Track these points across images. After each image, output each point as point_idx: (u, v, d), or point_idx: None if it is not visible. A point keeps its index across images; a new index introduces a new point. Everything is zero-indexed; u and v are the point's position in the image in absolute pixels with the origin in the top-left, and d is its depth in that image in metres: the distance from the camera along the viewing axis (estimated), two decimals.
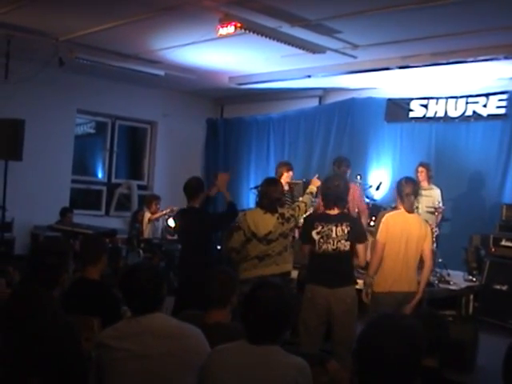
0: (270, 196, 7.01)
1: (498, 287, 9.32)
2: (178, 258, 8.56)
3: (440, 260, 10.02)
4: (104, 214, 14.54)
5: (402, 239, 6.73)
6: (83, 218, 12.47)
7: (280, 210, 7.04)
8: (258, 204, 7.18)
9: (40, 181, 12.65)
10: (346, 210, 7.05)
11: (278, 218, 6.94)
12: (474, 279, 9.82)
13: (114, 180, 14.80)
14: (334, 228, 6.57)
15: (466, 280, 9.87)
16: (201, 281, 4.46)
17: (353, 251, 6.66)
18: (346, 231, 6.56)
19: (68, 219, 12.04)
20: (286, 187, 9.83)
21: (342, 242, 6.55)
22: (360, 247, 6.70)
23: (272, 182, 7.34)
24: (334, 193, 6.71)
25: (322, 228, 6.59)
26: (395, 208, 10.33)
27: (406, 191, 6.86)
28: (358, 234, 6.71)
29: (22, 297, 3.95)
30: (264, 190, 7.14)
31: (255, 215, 7.06)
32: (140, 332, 3.68)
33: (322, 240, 6.58)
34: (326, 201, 6.83)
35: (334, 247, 6.54)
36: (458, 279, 9.80)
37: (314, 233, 6.62)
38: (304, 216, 7.62)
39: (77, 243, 8.54)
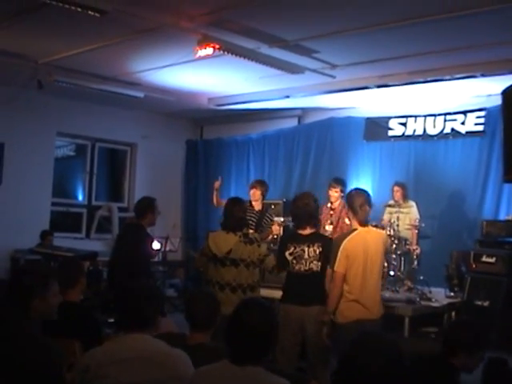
0: (235, 215, 6.99)
1: (479, 303, 9.33)
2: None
3: (421, 277, 10.04)
4: (85, 236, 14.44)
5: (367, 263, 6.41)
6: (64, 241, 12.38)
7: (244, 231, 7.01)
8: (222, 225, 7.12)
9: (20, 204, 12.58)
10: (317, 229, 7.06)
11: (239, 237, 6.85)
12: (456, 296, 9.84)
13: (94, 202, 14.73)
14: (306, 249, 6.59)
15: (447, 297, 9.88)
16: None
17: (325, 272, 6.57)
18: (317, 252, 6.56)
19: (48, 242, 11.96)
20: (259, 207, 9.86)
21: (314, 262, 6.55)
22: (328, 270, 6.54)
23: (237, 202, 7.32)
24: (304, 212, 6.70)
25: (295, 249, 6.61)
26: (376, 226, 10.40)
27: (359, 202, 6.51)
28: (328, 255, 6.57)
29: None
30: (229, 209, 7.10)
31: (217, 236, 7.03)
32: (128, 358, 3.63)
33: (294, 261, 6.60)
34: (296, 220, 6.81)
35: (307, 268, 6.56)
36: (439, 296, 9.81)
37: (286, 254, 6.63)
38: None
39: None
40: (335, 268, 6.37)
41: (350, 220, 6.86)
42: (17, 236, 12.15)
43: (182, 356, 3.74)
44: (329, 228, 8.91)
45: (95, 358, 3.72)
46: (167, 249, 12.99)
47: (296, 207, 6.79)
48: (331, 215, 9.03)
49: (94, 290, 9.28)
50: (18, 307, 4.05)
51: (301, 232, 6.73)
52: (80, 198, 14.75)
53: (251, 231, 8.13)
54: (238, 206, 7.16)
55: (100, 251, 11.67)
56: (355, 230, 6.55)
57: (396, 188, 10.68)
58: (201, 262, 7.09)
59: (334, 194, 9.73)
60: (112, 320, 6.20)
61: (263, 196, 9.83)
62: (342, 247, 6.39)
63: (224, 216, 7.18)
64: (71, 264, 5.57)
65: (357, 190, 6.90)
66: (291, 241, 6.71)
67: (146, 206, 7.63)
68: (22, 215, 12.52)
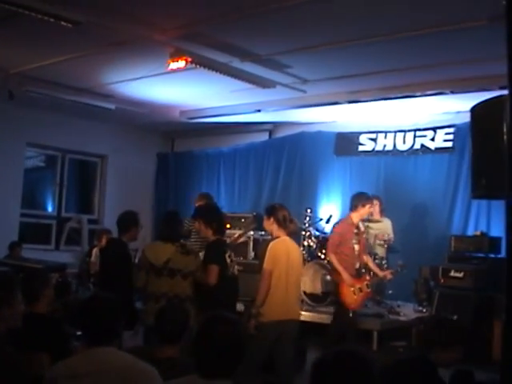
0: (173, 226, 7.13)
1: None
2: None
3: (390, 292, 10.11)
4: (54, 248, 14.34)
5: (288, 266, 6.87)
6: (33, 253, 12.23)
7: (182, 242, 7.15)
8: (159, 236, 7.28)
9: None
10: None
11: (177, 247, 6.92)
12: (424, 310, 9.91)
13: (63, 214, 14.64)
14: None
15: (415, 311, 9.95)
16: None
17: None
18: None
19: (17, 253, 11.84)
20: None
21: None
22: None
23: (175, 214, 7.60)
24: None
25: None
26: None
27: (285, 215, 7.05)
28: None
29: None
30: (168, 220, 7.31)
31: (154, 246, 7.16)
32: (93, 371, 3.59)
33: None
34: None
35: None
36: (408, 310, 9.89)
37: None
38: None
39: None
40: (264, 265, 6.82)
41: (272, 231, 7.13)
42: None
43: (149, 369, 3.70)
44: (357, 247, 8.77)
45: (60, 371, 3.69)
46: (136, 261, 12.94)
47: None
48: (357, 234, 8.87)
49: (62, 302, 9.21)
50: None
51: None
52: (50, 209, 14.67)
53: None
54: (176, 217, 7.37)
55: (69, 263, 11.59)
56: (279, 237, 7.02)
57: (374, 201, 10.72)
58: (142, 280, 6.94)
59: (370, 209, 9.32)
60: (80, 333, 6.16)
61: None
62: (269, 247, 6.94)
63: (162, 226, 7.30)
64: (35, 276, 5.52)
65: (280, 204, 7.36)
66: None
67: (131, 221, 7.57)
68: None
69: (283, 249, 6.91)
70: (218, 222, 7.23)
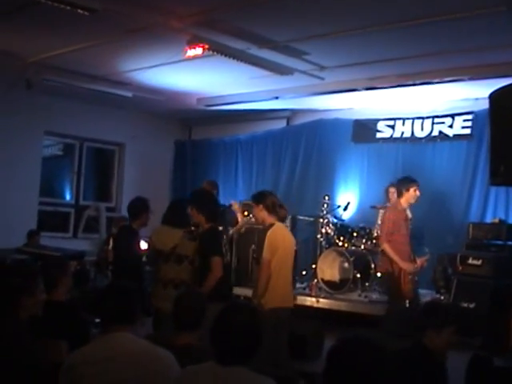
0: (181, 212, 7.17)
1: (465, 305, 9.38)
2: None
3: None
4: (72, 236, 14.40)
5: (286, 253, 6.93)
6: (51, 241, 12.31)
7: (187, 228, 7.14)
8: (166, 221, 7.22)
9: (7, 203, 12.52)
10: None
11: (184, 233, 6.97)
12: (442, 297, 9.88)
13: (81, 202, 14.70)
14: None
15: (433, 298, 9.91)
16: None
17: None
18: None
19: (35, 241, 11.88)
20: None
21: None
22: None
23: (183, 200, 7.73)
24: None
25: None
26: (363, 229, 10.46)
27: (277, 202, 7.05)
28: None
29: None
30: (177, 205, 7.45)
31: (161, 232, 7.15)
32: (110, 357, 3.63)
33: None
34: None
35: None
36: (426, 297, 9.85)
37: None
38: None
39: None
40: (264, 255, 6.76)
41: (264, 218, 7.03)
42: (3, 235, 12.03)
43: (166, 355, 3.74)
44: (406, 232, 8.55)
45: (78, 358, 3.72)
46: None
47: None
48: (405, 220, 8.60)
49: (81, 290, 9.25)
50: (5, 306, 4.05)
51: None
52: (68, 197, 14.72)
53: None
54: (183, 204, 7.38)
55: (87, 251, 11.63)
56: (274, 224, 6.94)
57: (392, 189, 10.62)
58: (151, 257, 7.20)
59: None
60: (99, 320, 6.18)
61: None
62: (268, 236, 6.85)
63: (169, 212, 7.28)
64: (53, 264, 5.54)
65: (267, 191, 7.40)
66: None
67: (141, 208, 7.58)
68: (9, 214, 12.46)
69: (280, 237, 6.89)
70: (210, 209, 7.05)
